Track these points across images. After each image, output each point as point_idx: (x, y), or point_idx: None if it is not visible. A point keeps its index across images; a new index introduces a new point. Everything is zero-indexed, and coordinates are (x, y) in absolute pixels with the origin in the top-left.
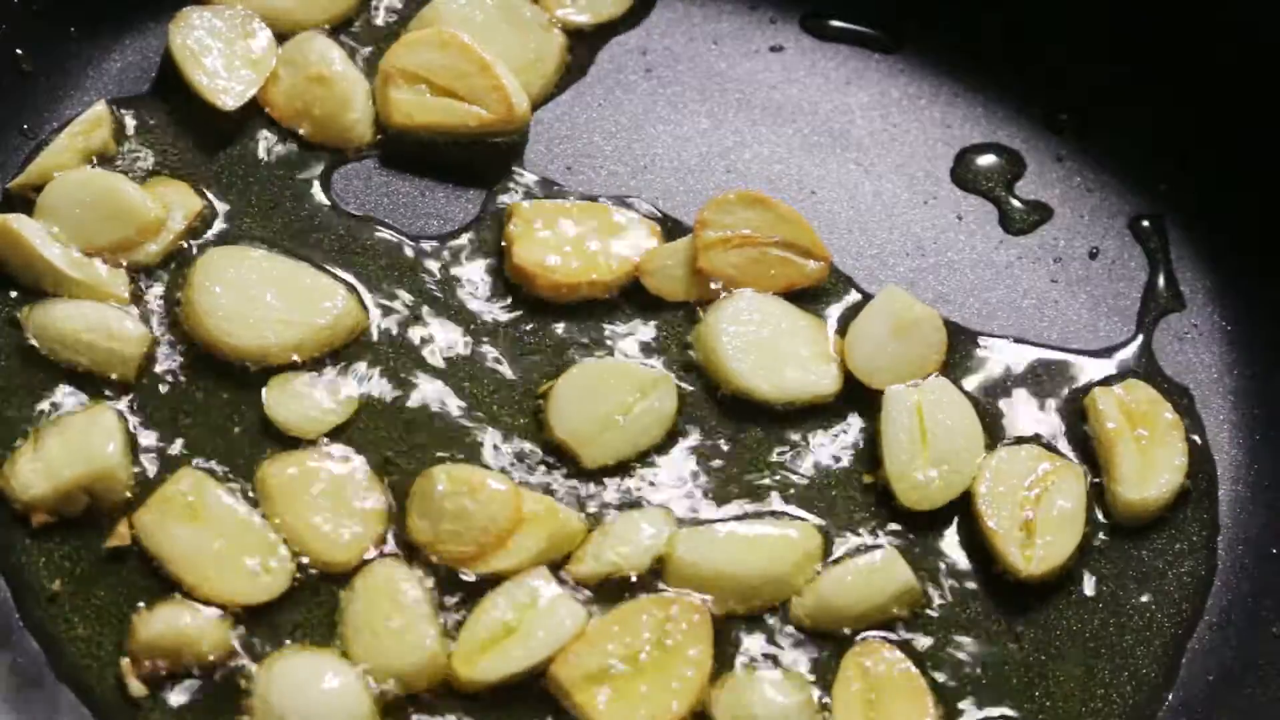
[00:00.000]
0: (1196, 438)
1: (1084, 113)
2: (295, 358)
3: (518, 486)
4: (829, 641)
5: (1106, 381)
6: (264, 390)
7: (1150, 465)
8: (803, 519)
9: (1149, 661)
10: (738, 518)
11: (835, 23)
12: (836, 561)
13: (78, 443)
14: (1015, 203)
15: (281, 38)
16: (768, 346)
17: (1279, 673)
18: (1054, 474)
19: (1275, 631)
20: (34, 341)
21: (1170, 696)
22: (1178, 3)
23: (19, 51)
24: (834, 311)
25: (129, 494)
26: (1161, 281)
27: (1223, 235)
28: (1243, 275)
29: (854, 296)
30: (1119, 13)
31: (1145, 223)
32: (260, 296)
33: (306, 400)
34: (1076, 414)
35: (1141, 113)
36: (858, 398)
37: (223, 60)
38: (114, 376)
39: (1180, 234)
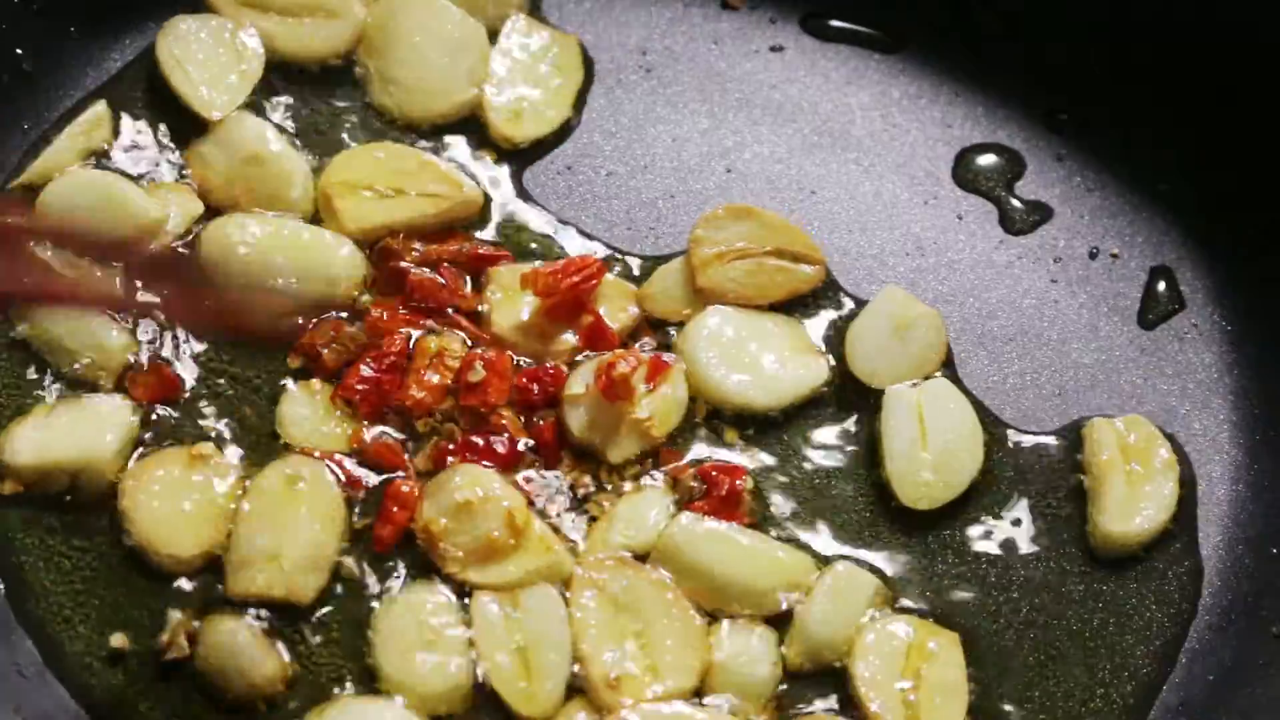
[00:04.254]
0: (1191, 454)
1: (1084, 113)
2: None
3: (528, 510)
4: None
5: (1108, 412)
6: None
7: (1136, 500)
8: (799, 541)
9: (1149, 661)
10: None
11: (835, 23)
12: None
13: (83, 427)
14: (1015, 203)
15: (271, 66)
16: (751, 358)
17: (1279, 673)
18: (930, 641)
19: (1275, 631)
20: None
21: (1170, 696)
22: (1178, 2)
23: (19, 51)
24: (829, 316)
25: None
26: (1162, 282)
27: (1223, 235)
28: (1243, 275)
29: (848, 301)
30: (1119, 12)
31: (1145, 222)
32: (271, 263)
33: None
34: (1072, 431)
35: (1141, 113)
36: (857, 398)
37: (209, 70)
38: (96, 381)
39: (1180, 234)
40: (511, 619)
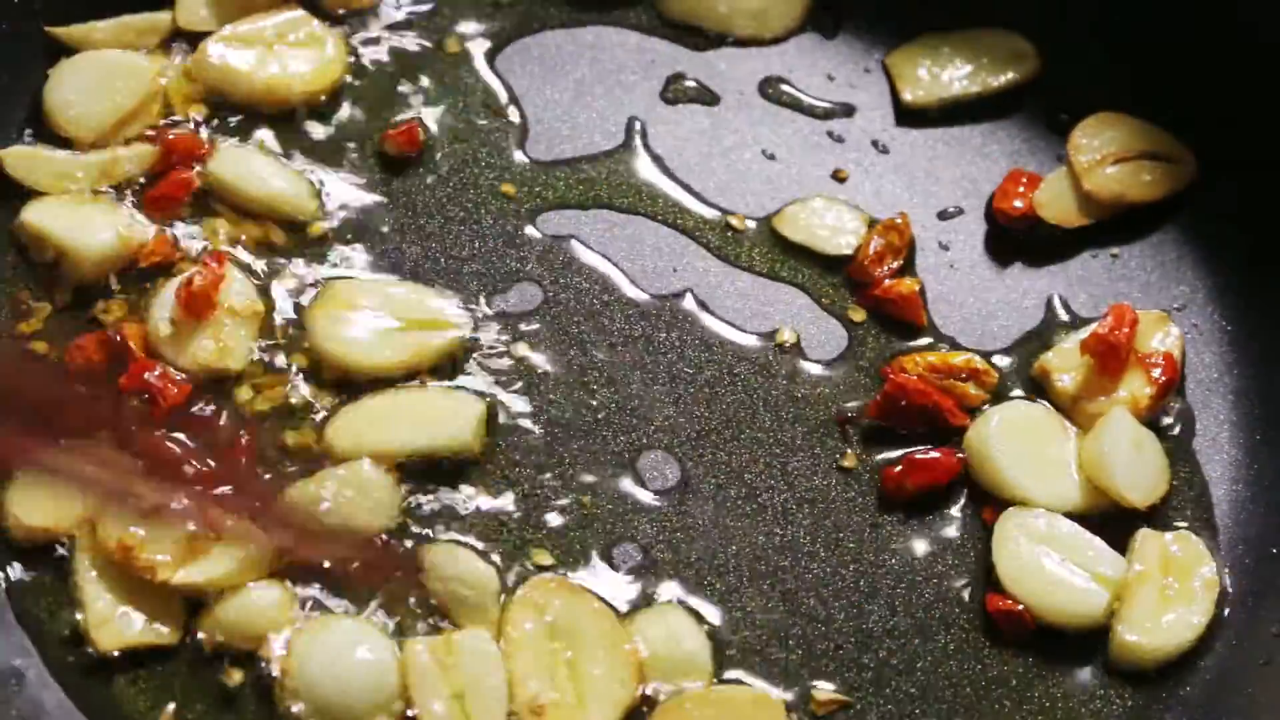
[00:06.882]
0: (1195, 450)
1: (1084, 113)
2: None
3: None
4: None
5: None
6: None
7: (1163, 615)
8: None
9: (1148, 661)
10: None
11: (836, 22)
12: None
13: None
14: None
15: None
16: (1040, 456)
17: (1279, 673)
18: None
19: (1275, 631)
20: None
21: (1170, 696)
22: (1180, 3)
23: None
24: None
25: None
26: (1162, 282)
27: (1223, 235)
28: (1243, 275)
29: None
30: (1120, 12)
31: (1145, 223)
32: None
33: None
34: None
35: (1142, 112)
36: None
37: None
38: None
39: (1180, 234)
40: (446, 665)
